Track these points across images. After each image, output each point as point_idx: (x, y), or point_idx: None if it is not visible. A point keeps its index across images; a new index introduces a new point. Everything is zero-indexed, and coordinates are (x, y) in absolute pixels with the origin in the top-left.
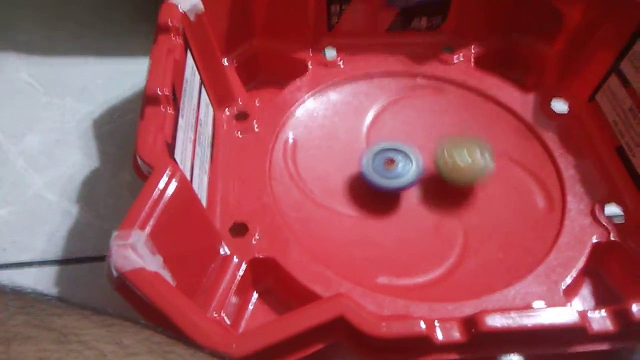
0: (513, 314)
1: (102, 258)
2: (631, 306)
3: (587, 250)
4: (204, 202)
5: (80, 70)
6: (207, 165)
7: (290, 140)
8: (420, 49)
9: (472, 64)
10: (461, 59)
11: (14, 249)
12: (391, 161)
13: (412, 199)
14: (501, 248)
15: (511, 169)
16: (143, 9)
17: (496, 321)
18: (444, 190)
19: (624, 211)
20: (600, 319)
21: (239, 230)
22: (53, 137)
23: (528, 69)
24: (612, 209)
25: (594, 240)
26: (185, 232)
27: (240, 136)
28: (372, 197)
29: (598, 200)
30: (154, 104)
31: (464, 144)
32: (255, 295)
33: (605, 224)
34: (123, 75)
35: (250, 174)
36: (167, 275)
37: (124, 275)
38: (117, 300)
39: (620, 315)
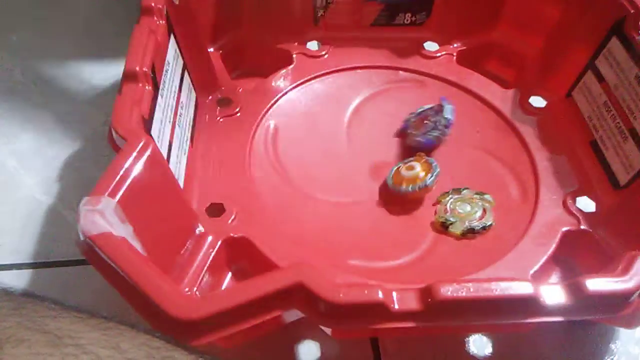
0: (469, 284)
1: None
2: (585, 281)
3: (557, 238)
4: (181, 181)
5: (75, 71)
6: (186, 147)
7: (272, 128)
8: (404, 44)
9: (454, 59)
10: (443, 54)
11: (3, 250)
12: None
13: (389, 187)
14: (474, 235)
15: (487, 160)
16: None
17: (451, 291)
18: None
19: (595, 202)
20: (554, 292)
21: (216, 210)
22: (46, 137)
23: (508, 65)
24: (584, 201)
25: (564, 229)
26: (159, 207)
27: (222, 121)
28: (349, 184)
29: (570, 192)
30: (132, 80)
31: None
32: (229, 275)
33: (576, 214)
34: (119, 76)
35: (230, 158)
36: (137, 245)
37: (91, 239)
38: (108, 304)
39: (574, 289)
